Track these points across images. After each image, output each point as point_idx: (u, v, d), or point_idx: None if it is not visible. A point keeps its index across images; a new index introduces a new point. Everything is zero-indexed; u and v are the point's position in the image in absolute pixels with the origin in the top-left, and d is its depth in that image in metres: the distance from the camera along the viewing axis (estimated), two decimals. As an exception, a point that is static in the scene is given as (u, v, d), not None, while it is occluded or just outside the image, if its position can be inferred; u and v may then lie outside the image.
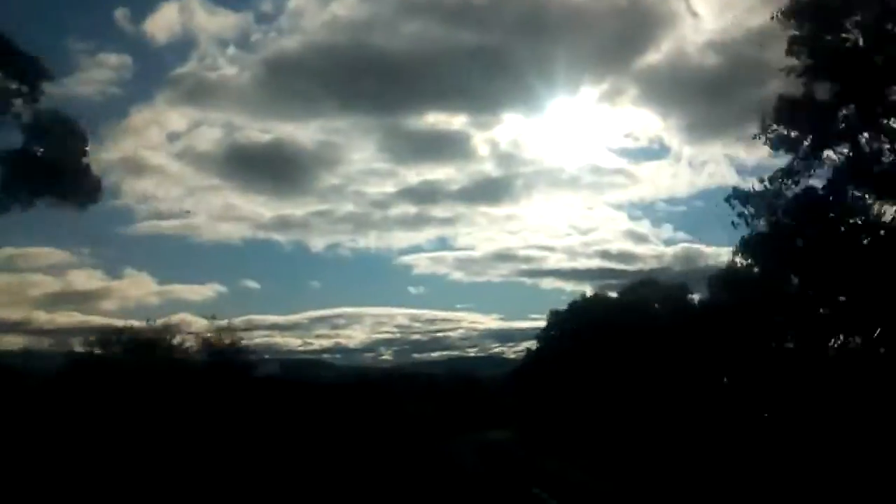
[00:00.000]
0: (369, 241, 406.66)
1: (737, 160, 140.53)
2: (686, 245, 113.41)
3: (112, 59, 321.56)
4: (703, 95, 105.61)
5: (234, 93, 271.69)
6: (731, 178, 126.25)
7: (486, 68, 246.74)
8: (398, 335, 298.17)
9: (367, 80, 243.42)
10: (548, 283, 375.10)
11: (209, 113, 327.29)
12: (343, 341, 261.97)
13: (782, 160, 21.36)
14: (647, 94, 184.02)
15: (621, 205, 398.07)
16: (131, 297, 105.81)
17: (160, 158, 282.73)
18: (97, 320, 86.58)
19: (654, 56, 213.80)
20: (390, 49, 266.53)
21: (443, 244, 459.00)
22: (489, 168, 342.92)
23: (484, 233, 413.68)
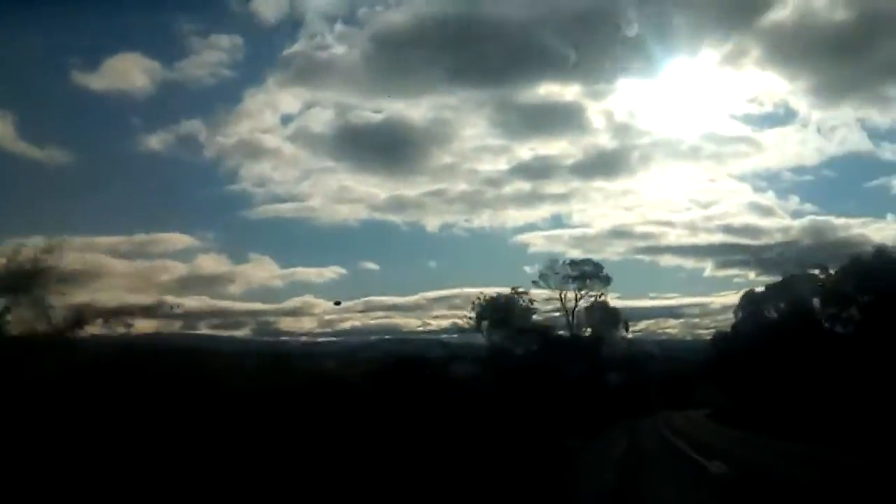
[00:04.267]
0: (483, 220, 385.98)
1: (869, 123, 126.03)
2: (814, 217, 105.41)
3: (223, 41, 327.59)
4: (833, 54, 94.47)
5: (343, 71, 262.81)
6: (864, 144, 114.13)
7: (600, 33, 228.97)
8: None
9: (477, 51, 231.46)
10: (667, 261, 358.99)
11: (320, 93, 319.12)
12: (461, 322, 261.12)
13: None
14: (773, 54, 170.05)
15: (745, 175, 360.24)
16: (256, 280, 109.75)
17: (275, 141, 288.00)
18: (225, 304, 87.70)
19: (781, 12, 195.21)
20: (500, 18, 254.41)
21: (558, 222, 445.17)
22: (604, 140, 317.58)
23: (599, 209, 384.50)
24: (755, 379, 54.16)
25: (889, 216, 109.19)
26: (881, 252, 49.80)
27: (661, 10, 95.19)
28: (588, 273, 64.53)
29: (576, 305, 66.01)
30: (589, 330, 66.52)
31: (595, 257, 69.89)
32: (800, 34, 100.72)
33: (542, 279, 65.13)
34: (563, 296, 66.19)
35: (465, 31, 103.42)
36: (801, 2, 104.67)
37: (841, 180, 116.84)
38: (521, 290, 58.12)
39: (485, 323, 55.47)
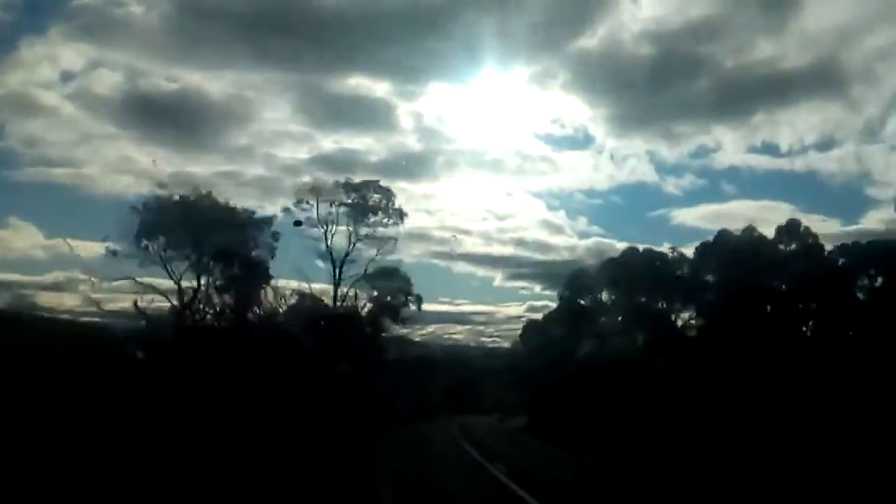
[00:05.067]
0: (278, 208, 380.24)
1: (657, 156, 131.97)
2: (599, 239, 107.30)
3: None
4: (632, 87, 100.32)
5: (138, 33, 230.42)
6: (651, 175, 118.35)
7: (417, 34, 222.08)
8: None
9: (287, 32, 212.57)
10: (460, 268, 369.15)
11: (110, 53, 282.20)
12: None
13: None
14: (578, 80, 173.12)
15: (540, 193, 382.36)
16: (16, 248, 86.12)
17: (52, 99, 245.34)
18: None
19: (589, 41, 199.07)
20: (316, 1, 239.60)
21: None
22: (411, 142, 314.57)
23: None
24: (560, 381, 43.18)
25: (665, 244, 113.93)
26: (750, 231, 39.56)
27: (478, 21, 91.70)
28: (372, 205, 40.67)
29: (350, 251, 42.45)
30: (366, 303, 44.55)
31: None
32: (604, 65, 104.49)
33: (298, 206, 42.33)
34: (329, 233, 42.54)
35: (276, 8, 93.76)
36: (608, 34, 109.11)
37: (627, 207, 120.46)
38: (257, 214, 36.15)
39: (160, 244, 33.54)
